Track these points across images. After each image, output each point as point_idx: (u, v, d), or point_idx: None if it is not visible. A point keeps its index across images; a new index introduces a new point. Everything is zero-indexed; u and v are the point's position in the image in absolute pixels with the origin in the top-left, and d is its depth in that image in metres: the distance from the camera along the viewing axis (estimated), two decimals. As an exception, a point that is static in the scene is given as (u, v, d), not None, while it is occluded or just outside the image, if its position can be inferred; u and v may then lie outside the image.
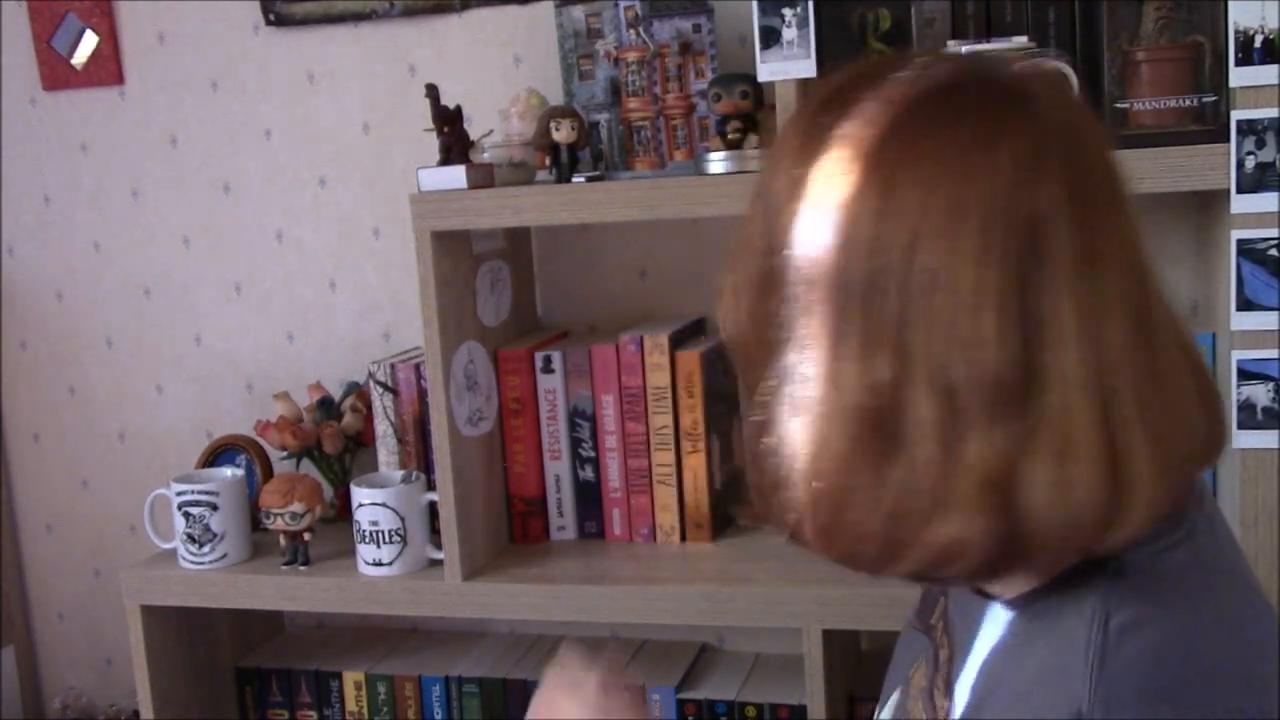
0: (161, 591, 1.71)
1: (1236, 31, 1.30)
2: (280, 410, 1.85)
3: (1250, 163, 1.30)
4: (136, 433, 2.07)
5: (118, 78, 1.98)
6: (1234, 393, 1.34)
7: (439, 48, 1.83)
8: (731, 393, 1.70)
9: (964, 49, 1.31)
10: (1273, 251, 1.31)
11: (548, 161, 1.56)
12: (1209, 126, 1.35)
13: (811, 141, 0.70)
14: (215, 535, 1.69)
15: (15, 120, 2.05)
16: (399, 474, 1.68)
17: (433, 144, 1.59)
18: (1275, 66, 1.29)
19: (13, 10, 2.01)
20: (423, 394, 1.68)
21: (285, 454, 1.83)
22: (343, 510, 1.77)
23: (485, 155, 1.63)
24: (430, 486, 1.64)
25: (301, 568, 1.67)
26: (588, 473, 1.66)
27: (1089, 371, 0.64)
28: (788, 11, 1.43)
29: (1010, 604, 0.74)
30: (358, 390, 1.86)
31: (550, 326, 1.82)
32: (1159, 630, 0.65)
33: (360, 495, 1.61)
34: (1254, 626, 0.68)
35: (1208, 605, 0.67)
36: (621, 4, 1.59)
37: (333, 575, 1.65)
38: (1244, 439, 1.35)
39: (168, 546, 1.73)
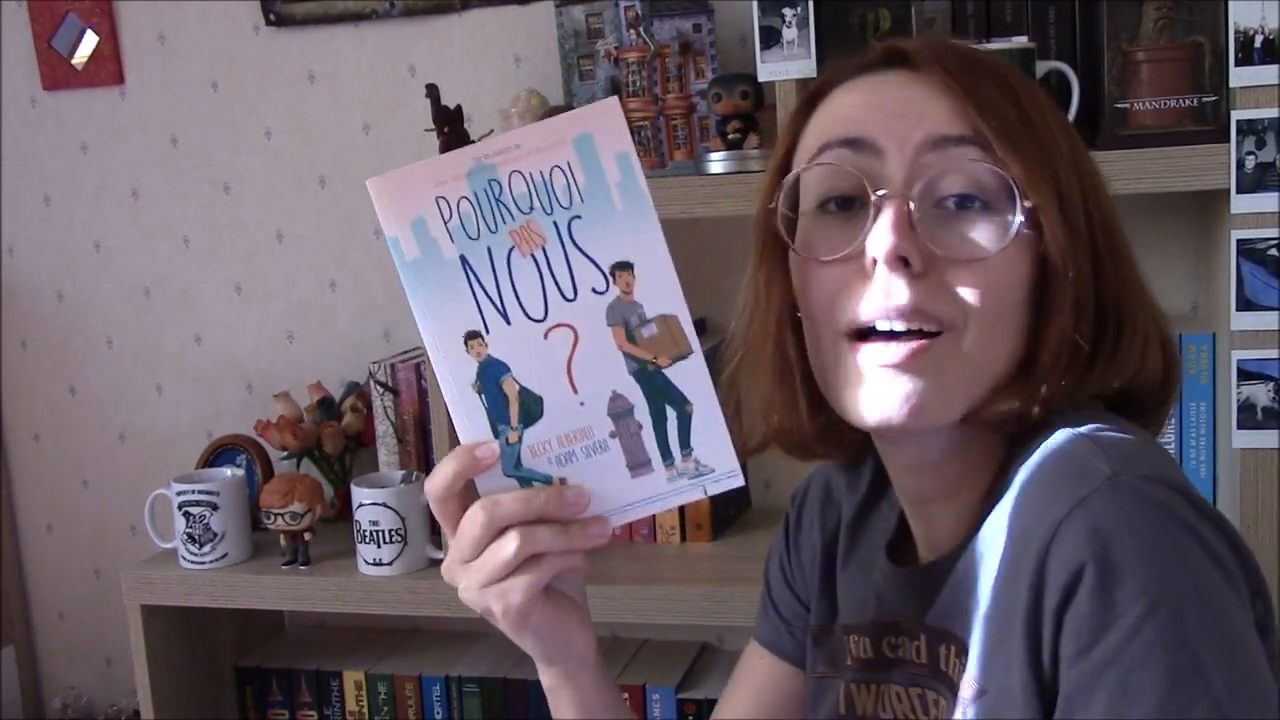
0: (161, 591, 1.71)
1: (1236, 31, 1.30)
2: (280, 410, 1.85)
3: (1250, 163, 1.30)
4: (136, 433, 2.07)
5: (118, 78, 1.98)
6: (1234, 393, 1.34)
7: (439, 48, 1.83)
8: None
9: (964, 49, 1.31)
10: (1273, 251, 1.31)
11: (548, 161, 1.56)
12: (1209, 126, 1.35)
13: None
14: (215, 535, 1.69)
15: (15, 120, 2.05)
16: (399, 474, 1.68)
17: (433, 144, 1.59)
18: (1275, 66, 1.29)
19: (13, 10, 2.01)
20: (423, 394, 1.68)
21: (285, 454, 1.83)
22: (343, 510, 1.77)
23: (485, 155, 1.62)
24: (430, 486, 1.64)
25: (301, 568, 1.67)
26: (588, 473, 1.65)
27: None
28: (788, 11, 1.43)
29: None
30: (358, 390, 1.86)
31: (550, 326, 1.81)
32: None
33: (360, 495, 1.61)
34: None
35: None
36: (621, 4, 1.59)
37: (333, 575, 1.65)
38: (1244, 439, 1.35)
39: (168, 546, 1.73)
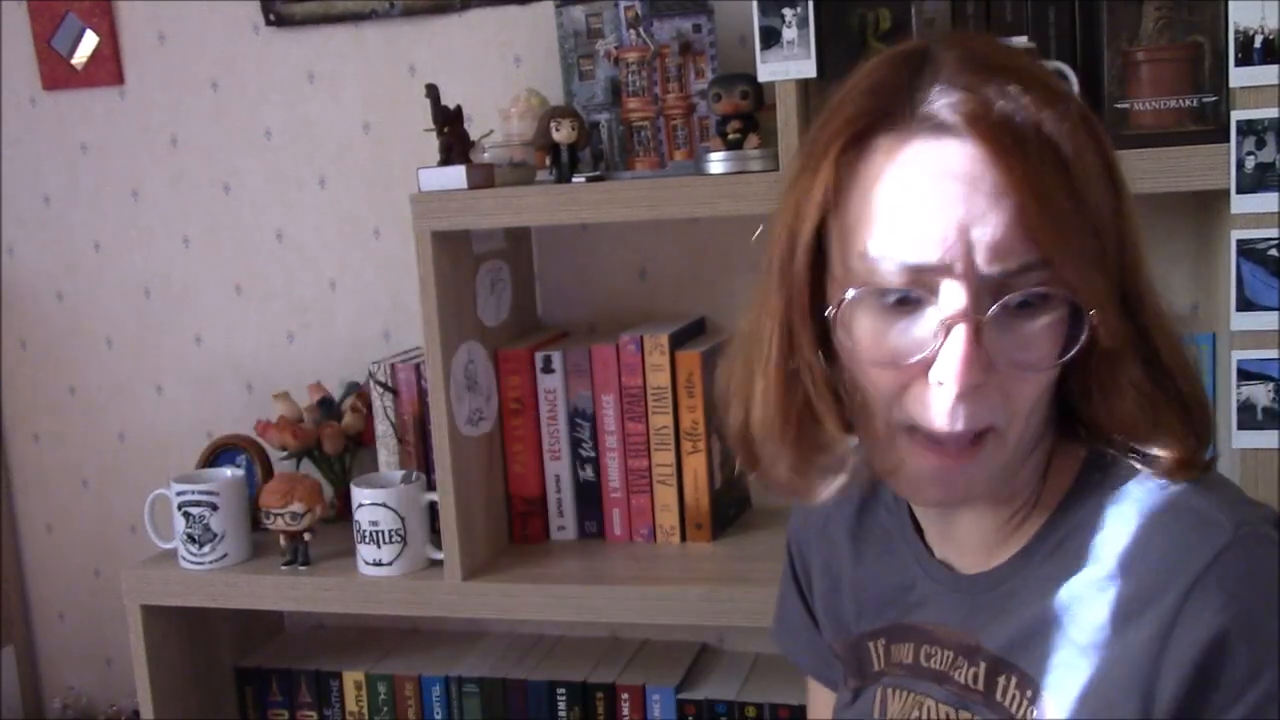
0: (161, 591, 1.71)
1: (1236, 31, 1.30)
2: (280, 410, 1.85)
3: (1250, 163, 1.30)
4: (136, 433, 2.07)
5: (118, 78, 1.98)
6: (1234, 393, 1.34)
7: (439, 48, 1.83)
8: (731, 393, 1.70)
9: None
10: (1273, 251, 1.31)
11: (548, 161, 1.56)
12: (1209, 126, 1.35)
13: None
14: (215, 535, 1.69)
15: (15, 120, 2.05)
16: (399, 474, 1.68)
17: (433, 144, 1.59)
18: (1275, 66, 1.29)
19: (13, 10, 2.01)
20: (423, 394, 1.68)
21: (285, 454, 1.83)
22: (343, 510, 1.77)
23: (485, 155, 1.63)
24: (430, 486, 1.64)
25: (301, 568, 1.67)
26: (588, 473, 1.66)
27: None
28: (788, 11, 1.42)
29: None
30: (358, 390, 1.86)
31: (550, 326, 1.82)
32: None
33: (360, 495, 1.61)
34: None
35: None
36: (621, 4, 1.59)
37: (333, 575, 1.65)
38: (1244, 439, 1.35)
39: (168, 546, 1.73)
